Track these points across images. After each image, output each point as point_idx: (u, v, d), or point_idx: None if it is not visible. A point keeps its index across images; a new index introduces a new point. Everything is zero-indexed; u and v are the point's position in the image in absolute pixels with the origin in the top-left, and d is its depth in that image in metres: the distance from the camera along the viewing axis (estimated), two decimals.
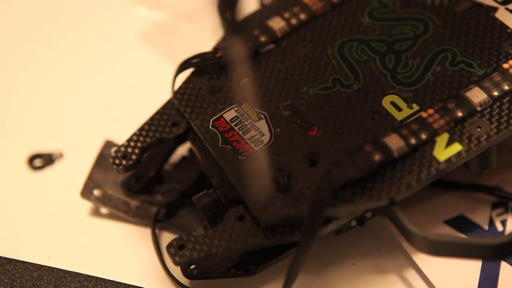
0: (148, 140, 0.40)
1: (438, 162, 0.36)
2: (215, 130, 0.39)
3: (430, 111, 0.37)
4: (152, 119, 0.41)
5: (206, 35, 0.50)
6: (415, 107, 0.38)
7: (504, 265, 0.39)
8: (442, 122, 0.37)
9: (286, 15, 0.42)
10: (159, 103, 0.42)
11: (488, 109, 0.37)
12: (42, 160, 0.46)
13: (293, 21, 0.42)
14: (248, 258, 0.38)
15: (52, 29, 0.53)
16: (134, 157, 0.40)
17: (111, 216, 0.43)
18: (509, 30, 0.39)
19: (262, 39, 0.42)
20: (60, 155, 0.46)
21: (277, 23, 0.42)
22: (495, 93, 0.37)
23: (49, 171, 0.45)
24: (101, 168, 0.43)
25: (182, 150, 0.43)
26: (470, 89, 0.37)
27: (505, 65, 0.38)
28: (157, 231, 0.41)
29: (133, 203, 0.42)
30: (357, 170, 0.36)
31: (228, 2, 0.39)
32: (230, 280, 0.38)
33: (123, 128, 0.43)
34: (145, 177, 0.42)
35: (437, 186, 0.41)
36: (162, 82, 0.46)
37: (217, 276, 0.38)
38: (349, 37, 0.41)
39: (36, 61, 0.51)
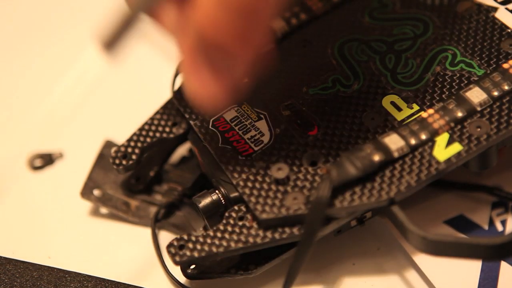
0: (148, 140, 0.40)
1: (438, 162, 0.36)
2: (215, 130, 0.39)
3: (430, 111, 0.37)
4: (152, 119, 0.41)
5: None
6: (415, 107, 0.38)
7: (504, 265, 0.39)
8: (442, 122, 0.37)
9: (286, 14, 0.42)
10: (159, 103, 0.42)
11: (488, 109, 0.37)
12: (42, 160, 0.46)
13: (293, 21, 0.42)
14: (248, 258, 0.38)
15: (52, 28, 0.53)
16: (134, 157, 0.40)
17: (111, 216, 0.43)
18: (509, 30, 0.39)
19: None
20: (60, 155, 0.46)
21: (277, 23, 0.42)
22: (495, 93, 0.37)
23: (49, 171, 0.45)
24: (101, 168, 0.43)
25: (182, 150, 0.43)
26: (470, 89, 0.37)
27: (505, 65, 0.38)
28: (157, 231, 0.41)
29: (133, 203, 0.42)
30: (357, 170, 0.36)
31: None
32: (230, 280, 0.38)
33: (123, 128, 0.43)
34: (145, 177, 0.42)
35: (437, 186, 0.41)
36: (162, 82, 0.46)
37: (217, 276, 0.38)
38: (349, 37, 0.41)
39: (35, 60, 0.51)
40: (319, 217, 0.35)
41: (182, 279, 0.39)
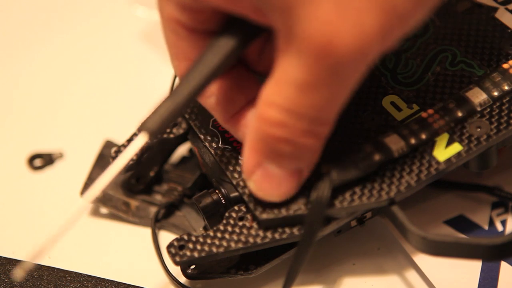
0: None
1: (438, 162, 0.36)
2: (215, 130, 0.39)
3: (430, 111, 0.37)
4: None
5: None
6: (415, 107, 0.38)
7: (504, 265, 0.39)
8: (442, 122, 0.37)
9: None
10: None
11: (488, 109, 0.37)
12: (42, 160, 0.46)
13: None
14: (248, 258, 0.38)
15: (52, 28, 0.53)
16: (134, 157, 0.40)
17: (111, 216, 0.43)
18: (509, 31, 0.39)
19: None
20: (60, 155, 0.46)
21: None
22: (495, 93, 0.37)
23: (49, 171, 0.45)
24: (101, 168, 0.43)
25: (182, 150, 0.43)
26: (470, 89, 0.37)
27: (505, 65, 0.38)
28: (157, 231, 0.41)
29: (133, 203, 0.42)
30: (357, 170, 0.36)
31: None
32: (230, 280, 0.38)
33: (123, 128, 0.43)
34: (145, 177, 0.42)
35: (437, 186, 0.41)
36: (162, 82, 0.46)
37: (217, 276, 0.38)
38: None
39: (35, 60, 0.51)
40: (319, 217, 0.35)
41: (182, 279, 0.39)
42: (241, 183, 0.37)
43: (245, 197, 0.36)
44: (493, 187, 0.41)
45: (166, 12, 0.33)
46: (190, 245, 0.36)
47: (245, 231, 0.36)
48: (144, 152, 0.40)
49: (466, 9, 0.41)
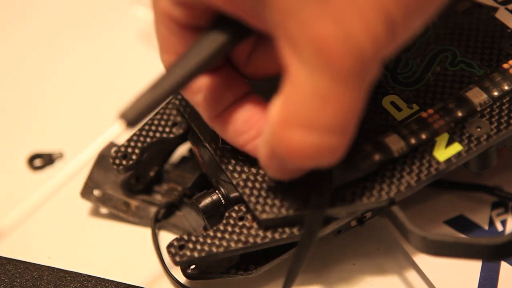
0: (148, 140, 0.40)
1: (438, 162, 0.36)
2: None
3: (430, 111, 0.37)
4: (152, 119, 0.41)
5: None
6: (415, 107, 0.38)
7: (504, 265, 0.39)
8: (442, 122, 0.37)
9: None
10: None
11: (488, 109, 0.37)
12: (42, 160, 0.46)
13: None
14: (248, 258, 0.38)
15: (52, 29, 0.53)
16: (134, 157, 0.40)
17: (111, 216, 0.43)
18: (509, 30, 0.39)
19: None
20: (60, 155, 0.46)
21: None
22: (495, 93, 0.37)
23: (49, 171, 0.45)
24: (101, 168, 0.43)
25: (182, 150, 0.43)
26: (470, 89, 0.37)
27: (505, 65, 0.38)
28: (157, 231, 0.41)
29: (133, 203, 0.42)
30: (357, 170, 0.36)
31: None
32: (230, 280, 0.38)
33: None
34: (145, 177, 0.42)
35: (437, 186, 0.41)
36: None
37: (217, 276, 0.38)
38: None
39: (35, 60, 0.51)
40: (319, 217, 0.35)
41: (182, 279, 0.39)
42: (241, 183, 0.37)
43: (245, 197, 0.36)
44: (493, 187, 0.41)
45: (160, 5, 0.33)
46: (190, 245, 0.36)
47: (245, 231, 0.36)
48: (144, 152, 0.40)
49: (466, 9, 0.41)
